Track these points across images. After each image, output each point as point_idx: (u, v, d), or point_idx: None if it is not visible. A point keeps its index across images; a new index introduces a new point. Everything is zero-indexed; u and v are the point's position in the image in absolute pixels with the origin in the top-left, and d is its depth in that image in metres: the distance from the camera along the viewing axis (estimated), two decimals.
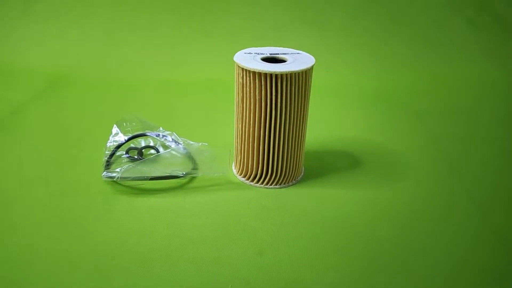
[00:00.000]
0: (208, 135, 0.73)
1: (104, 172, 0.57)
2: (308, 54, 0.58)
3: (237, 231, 0.52)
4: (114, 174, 0.56)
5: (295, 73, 0.53)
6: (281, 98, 0.53)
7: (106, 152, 0.63)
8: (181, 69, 1.01)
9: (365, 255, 0.49)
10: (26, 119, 0.77)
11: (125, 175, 0.56)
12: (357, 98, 0.93)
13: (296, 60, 0.56)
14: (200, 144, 0.66)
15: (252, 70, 0.52)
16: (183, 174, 0.58)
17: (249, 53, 0.57)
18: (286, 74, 0.52)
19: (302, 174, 0.63)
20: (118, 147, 0.64)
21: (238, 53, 0.58)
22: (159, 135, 0.67)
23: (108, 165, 0.61)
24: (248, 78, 0.54)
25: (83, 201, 0.56)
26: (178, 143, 0.66)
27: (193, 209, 0.55)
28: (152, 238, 0.50)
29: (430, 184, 0.62)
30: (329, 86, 0.96)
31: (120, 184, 0.59)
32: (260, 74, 0.53)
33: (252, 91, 0.54)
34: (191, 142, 0.66)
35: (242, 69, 0.54)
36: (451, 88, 0.99)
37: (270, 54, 0.58)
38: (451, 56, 1.09)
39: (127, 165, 0.56)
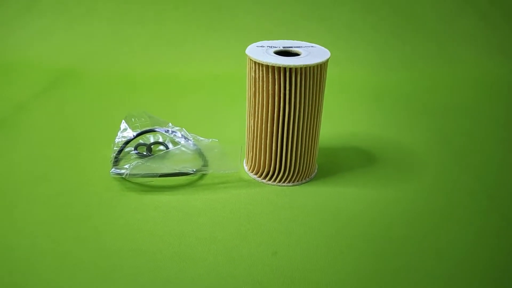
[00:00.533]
0: (218, 131, 0.71)
1: (113, 169, 0.56)
2: (322, 47, 0.56)
3: (249, 230, 0.50)
4: (122, 171, 0.55)
5: (310, 67, 0.51)
6: (295, 93, 0.52)
7: (115, 148, 0.62)
8: (189, 65, 1.00)
9: (380, 255, 0.47)
10: (30, 116, 0.76)
11: (134, 171, 0.54)
12: (364, 94, 0.91)
13: (310, 54, 0.54)
14: (210, 140, 0.64)
15: (265, 64, 0.51)
16: (193, 171, 0.57)
17: (261, 46, 0.56)
18: (301, 68, 0.50)
19: (316, 171, 0.61)
20: (127, 143, 0.63)
21: (250, 46, 0.56)
22: (168, 130, 0.65)
23: (116, 161, 0.60)
24: (260, 72, 0.52)
25: (90, 199, 0.54)
26: (188, 139, 0.64)
27: (203, 207, 0.53)
28: (161, 237, 0.48)
29: (446, 183, 0.60)
30: (335, 82, 0.94)
31: (128, 181, 0.57)
32: (273, 67, 0.51)
33: (265, 85, 0.52)
34: (201, 138, 0.65)
35: (255, 62, 0.52)
36: (460, 84, 0.96)
37: (283, 47, 0.56)
38: (458, 52, 1.06)
39: (136, 162, 0.55)
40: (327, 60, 0.53)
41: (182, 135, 0.65)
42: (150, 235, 0.49)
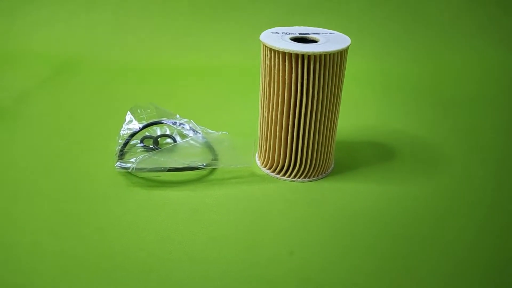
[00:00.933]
0: (228, 123, 0.68)
1: (118, 163, 0.53)
2: (341, 34, 0.53)
3: (263, 228, 0.47)
4: (128, 165, 0.51)
5: (329, 54, 0.47)
6: (313, 82, 0.48)
7: (120, 141, 0.59)
8: (196, 55, 0.96)
9: (400, 255, 0.44)
10: (32, 106, 0.73)
11: (141, 166, 0.51)
12: (379, 84, 0.87)
13: (329, 41, 0.50)
14: (220, 133, 0.61)
15: (282, 51, 0.47)
16: (203, 165, 0.53)
17: (276, 33, 0.52)
18: (320, 55, 0.47)
19: (333, 166, 0.58)
20: (132, 135, 0.60)
21: (264, 32, 0.52)
22: (175, 123, 0.62)
23: (121, 154, 0.56)
24: (276, 60, 0.48)
25: (94, 194, 0.51)
26: (196, 131, 0.61)
27: (214, 204, 0.50)
28: (170, 236, 0.45)
29: (467, 178, 0.56)
30: (352, 73, 0.91)
31: (135, 175, 0.54)
32: (290, 55, 0.47)
33: (281, 74, 0.49)
34: (210, 131, 0.62)
35: (270, 49, 0.48)
36: (480, 76, 0.92)
37: (299, 33, 0.52)
38: (480, 43, 1.02)
39: (143, 155, 0.52)
40: (348, 47, 0.49)
41: (190, 127, 0.62)
42: (158, 233, 0.45)
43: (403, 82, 0.89)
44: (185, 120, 0.63)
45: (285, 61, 0.48)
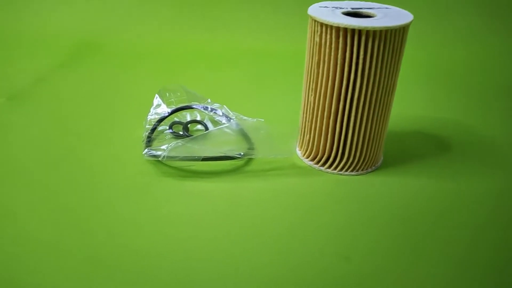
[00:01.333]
0: (264, 110, 0.63)
1: (146, 150, 0.48)
2: (399, 9, 0.47)
3: (306, 227, 0.41)
4: (159, 153, 0.46)
5: (390, 30, 0.41)
6: (370, 62, 0.42)
7: (147, 127, 0.54)
8: (227, 35, 0.90)
9: (453, 261, 0.38)
10: (49, 89, 0.68)
11: (172, 154, 0.46)
12: (430, 71, 0.81)
13: (387, 16, 0.44)
14: (256, 120, 0.56)
15: (335, 25, 0.41)
16: (240, 154, 0.48)
17: (325, 7, 0.46)
18: (380, 31, 0.41)
19: (382, 159, 0.52)
20: (161, 120, 0.55)
21: (312, 6, 0.46)
22: (207, 108, 0.57)
23: (149, 141, 0.51)
24: (328, 36, 0.42)
25: (120, 184, 0.46)
26: (230, 118, 0.56)
27: (251, 197, 0.45)
28: (202, 232, 0.40)
29: None
30: None
31: (164, 164, 0.49)
32: (345, 30, 0.41)
33: (332, 52, 0.43)
34: (245, 118, 0.56)
35: (321, 24, 0.43)
36: None
37: (351, 8, 0.46)
38: None
39: (175, 142, 0.46)
40: (410, 23, 0.43)
41: (223, 113, 0.57)
42: (189, 228, 0.40)
43: (452, 67, 0.82)
44: (217, 105, 0.58)
45: (338, 38, 0.42)
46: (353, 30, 0.41)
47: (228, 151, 0.48)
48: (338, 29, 0.42)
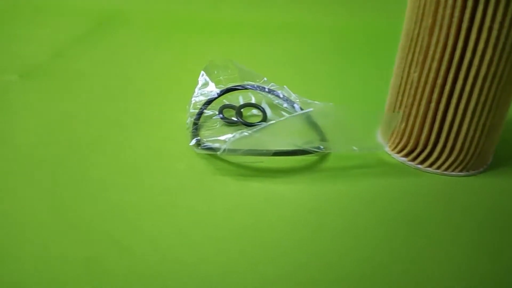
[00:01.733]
0: (332, 92, 0.52)
1: (195, 141, 0.37)
2: None
3: (407, 243, 0.31)
4: (216, 145, 0.36)
5: None
6: (499, 29, 0.31)
7: (191, 111, 0.43)
8: (282, 5, 0.78)
9: None
10: (70, 65, 0.57)
11: (235, 147, 0.36)
12: None
13: None
14: (323, 104, 0.45)
15: None
16: (320, 148, 0.37)
17: None
18: None
19: (492, 157, 0.41)
20: (208, 103, 0.44)
21: None
22: (264, 88, 0.46)
23: (196, 129, 0.41)
24: None
25: (167, 184, 0.36)
26: (293, 102, 0.45)
27: (332, 204, 0.35)
28: (274, 247, 0.30)
29: None
30: None
31: (220, 159, 0.38)
32: None
33: (456, 13, 0.32)
34: (310, 101, 0.45)
35: None
36: None
37: None
38: None
39: (239, 132, 0.36)
40: None
41: (283, 96, 0.46)
42: (256, 243, 0.30)
43: None
44: (276, 85, 0.47)
45: None
46: None
47: (307, 143, 0.37)
48: None
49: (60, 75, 0.54)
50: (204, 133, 0.42)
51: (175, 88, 0.51)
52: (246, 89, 0.46)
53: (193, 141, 0.38)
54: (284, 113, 0.45)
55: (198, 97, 0.45)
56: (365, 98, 0.49)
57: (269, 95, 0.46)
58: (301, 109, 0.45)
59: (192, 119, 0.42)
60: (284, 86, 0.47)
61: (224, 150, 0.35)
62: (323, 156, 0.40)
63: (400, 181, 0.38)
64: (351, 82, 0.54)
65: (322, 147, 0.38)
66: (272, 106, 0.46)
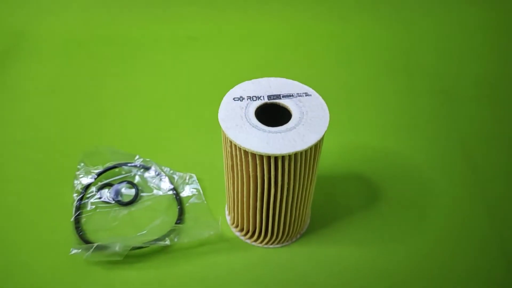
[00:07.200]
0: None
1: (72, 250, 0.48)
2: (318, 97, 0.43)
3: None
4: (80, 251, 0.47)
5: (299, 153, 0.39)
6: (282, 178, 0.41)
7: (74, 195, 0.53)
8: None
9: None
10: None
11: (96, 254, 0.47)
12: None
13: (304, 116, 0.41)
14: (188, 175, 0.55)
15: (243, 149, 0.39)
16: (167, 243, 0.49)
17: (239, 99, 0.43)
18: (289, 155, 0.39)
19: (308, 221, 0.53)
20: (87, 187, 0.54)
21: (225, 99, 0.43)
22: (136, 166, 0.56)
23: (79, 214, 0.51)
24: (237, 152, 0.40)
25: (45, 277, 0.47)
26: (161, 175, 0.55)
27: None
28: None
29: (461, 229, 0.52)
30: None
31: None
32: (254, 154, 0.39)
33: (244, 167, 0.41)
34: (177, 173, 0.55)
35: (230, 140, 0.40)
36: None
37: (268, 97, 0.43)
38: None
39: (95, 245, 0.46)
40: (324, 135, 0.40)
41: (155, 170, 0.56)
42: None
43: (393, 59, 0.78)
44: (147, 160, 0.56)
45: (247, 157, 0.40)
46: (261, 156, 0.39)
47: (157, 240, 0.48)
48: (246, 152, 0.39)
49: None
50: (85, 213, 0.52)
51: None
52: (119, 167, 0.56)
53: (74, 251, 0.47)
54: (155, 188, 0.55)
55: (79, 182, 0.54)
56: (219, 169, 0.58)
57: (141, 172, 0.56)
58: (170, 182, 0.55)
59: (75, 203, 0.52)
60: (153, 162, 0.56)
61: (87, 256, 0.46)
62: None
63: (234, 255, 0.50)
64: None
65: (168, 241, 0.48)
66: (144, 181, 0.56)
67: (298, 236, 0.52)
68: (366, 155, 0.61)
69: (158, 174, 0.55)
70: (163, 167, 0.56)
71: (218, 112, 0.41)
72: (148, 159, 0.56)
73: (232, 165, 0.43)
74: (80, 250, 0.47)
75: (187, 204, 0.53)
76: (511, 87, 0.73)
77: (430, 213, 0.54)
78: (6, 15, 0.82)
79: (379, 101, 0.70)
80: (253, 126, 0.40)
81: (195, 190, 0.54)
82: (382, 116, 0.67)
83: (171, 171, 0.56)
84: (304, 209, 0.48)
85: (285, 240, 0.50)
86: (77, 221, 0.51)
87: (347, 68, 0.76)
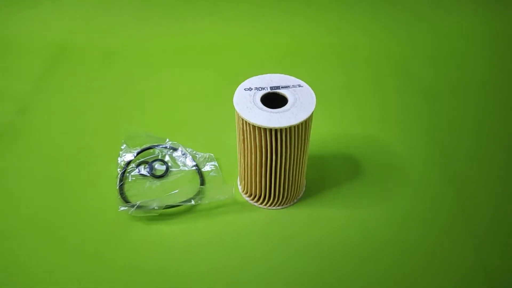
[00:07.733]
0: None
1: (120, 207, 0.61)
2: (307, 88, 0.57)
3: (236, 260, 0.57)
4: (126, 208, 0.60)
5: (293, 126, 0.53)
6: (281, 147, 0.55)
7: (118, 170, 0.67)
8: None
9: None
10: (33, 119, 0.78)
11: (139, 209, 0.60)
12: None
13: (297, 101, 0.55)
14: (208, 155, 0.69)
15: (252, 124, 0.53)
16: (192, 203, 0.62)
17: (248, 89, 0.57)
18: (286, 129, 0.53)
19: (304, 189, 0.66)
20: (128, 163, 0.68)
21: (238, 90, 0.57)
22: (166, 147, 0.70)
23: (122, 184, 0.65)
24: (248, 127, 0.54)
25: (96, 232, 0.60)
26: (186, 155, 0.69)
27: (199, 239, 0.60)
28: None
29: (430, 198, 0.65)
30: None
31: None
32: (259, 128, 0.53)
33: (252, 139, 0.55)
34: (199, 154, 0.69)
35: (242, 118, 0.54)
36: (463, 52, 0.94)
37: (270, 88, 0.57)
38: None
39: (138, 202, 0.60)
40: (312, 113, 0.54)
41: (180, 151, 0.69)
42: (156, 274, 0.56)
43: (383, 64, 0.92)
44: (175, 143, 0.70)
45: (255, 131, 0.54)
46: (265, 129, 0.53)
47: (182, 198, 0.62)
48: (254, 126, 0.53)
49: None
50: (127, 187, 0.65)
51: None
52: (153, 148, 0.70)
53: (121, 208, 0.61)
54: (181, 165, 0.69)
55: (122, 159, 0.68)
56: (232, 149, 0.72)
57: (170, 152, 0.70)
58: (193, 160, 0.68)
59: (119, 176, 0.66)
60: (180, 144, 0.70)
61: (131, 212, 0.60)
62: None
63: (243, 215, 0.63)
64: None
65: (193, 201, 0.62)
66: (173, 159, 0.69)
67: (295, 200, 0.65)
68: (351, 140, 0.74)
69: (183, 154, 0.69)
70: (187, 148, 0.70)
71: (232, 100, 0.55)
72: (175, 142, 0.70)
73: (244, 139, 0.56)
74: (126, 208, 0.61)
75: (207, 177, 0.67)
76: (487, 90, 0.86)
77: (405, 182, 0.67)
78: (49, 31, 0.98)
79: (364, 95, 0.83)
80: (259, 108, 0.54)
81: (213, 166, 0.68)
82: (366, 107, 0.81)
83: (194, 152, 0.70)
84: (300, 176, 0.61)
85: (284, 203, 0.64)
86: (121, 188, 0.65)
87: (337, 68, 0.90)
